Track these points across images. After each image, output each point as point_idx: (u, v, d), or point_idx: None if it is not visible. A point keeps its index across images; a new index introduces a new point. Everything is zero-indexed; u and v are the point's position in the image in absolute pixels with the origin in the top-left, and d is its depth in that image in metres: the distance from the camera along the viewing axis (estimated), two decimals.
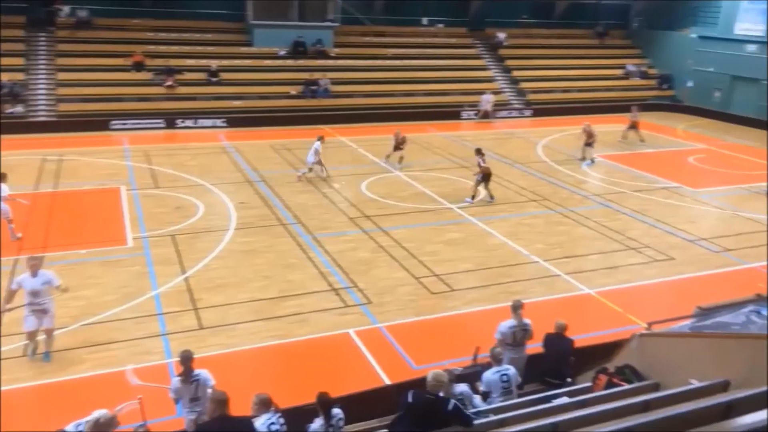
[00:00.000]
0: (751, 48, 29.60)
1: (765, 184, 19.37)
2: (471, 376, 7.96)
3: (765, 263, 13.26)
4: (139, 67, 25.80)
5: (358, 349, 9.69)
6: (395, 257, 13.06)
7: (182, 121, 24.82)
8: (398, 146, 20.01)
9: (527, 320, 8.15)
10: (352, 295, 11.38)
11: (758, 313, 6.88)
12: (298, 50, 28.58)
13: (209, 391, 6.62)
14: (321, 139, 18.52)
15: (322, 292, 11.46)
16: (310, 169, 18.24)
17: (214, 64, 26.64)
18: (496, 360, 7.31)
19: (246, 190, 17.31)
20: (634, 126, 24.44)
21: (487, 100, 28.14)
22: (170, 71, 25.67)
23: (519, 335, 8.06)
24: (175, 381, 6.88)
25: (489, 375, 7.23)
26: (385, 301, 11.17)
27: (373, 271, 12.39)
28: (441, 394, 5.79)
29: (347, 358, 9.56)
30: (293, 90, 27.22)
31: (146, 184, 17.44)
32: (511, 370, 7.30)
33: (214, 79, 26.37)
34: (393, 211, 15.96)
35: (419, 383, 6.39)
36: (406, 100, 28.71)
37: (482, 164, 16.88)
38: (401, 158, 19.96)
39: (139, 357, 9.10)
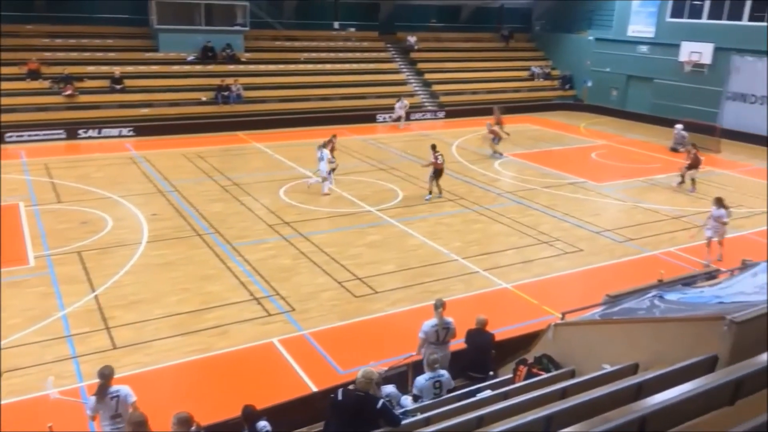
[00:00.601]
0: (643, 49, 31.66)
1: (661, 176, 20.77)
2: (397, 377, 8.05)
3: (664, 250, 14.21)
4: (34, 75, 24.25)
5: (283, 358, 9.55)
6: (317, 262, 12.98)
7: (85, 131, 23.55)
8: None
9: (449, 319, 8.26)
10: (275, 303, 11.20)
11: (660, 297, 7.34)
12: (208, 55, 27.85)
13: (130, 408, 6.33)
14: (326, 145, 18.00)
15: (243, 302, 11.21)
16: (324, 179, 17.60)
17: (117, 70, 25.45)
18: (431, 366, 7.36)
19: (158, 201, 16.67)
20: (498, 123, 24.43)
21: (401, 106, 28.34)
22: (69, 79, 24.30)
23: (442, 334, 8.15)
24: (92, 398, 6.54)
25: (422, 381, 7.28)
26: (309, 308, 11.08)
27: (294, 278, 12.25)
28: (370, 392, 5.80)
29: (272, 367, 9.39)
30: (204, 96, 26.49)
31: (48, 198, 16.43)
32: (444, 376, 7.35)
33: (117, 87, 25.20)
34: (312, 216, 15.85)
35: (346, 386, 6.39)
36: (321, 104, 28.62)
37: (436, 160, 17.21)
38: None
39: None
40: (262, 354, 9.64)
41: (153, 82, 26.22)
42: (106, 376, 6.56)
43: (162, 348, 9.65)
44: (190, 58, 27.68)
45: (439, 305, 8.20)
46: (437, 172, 17.26)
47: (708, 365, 5.19)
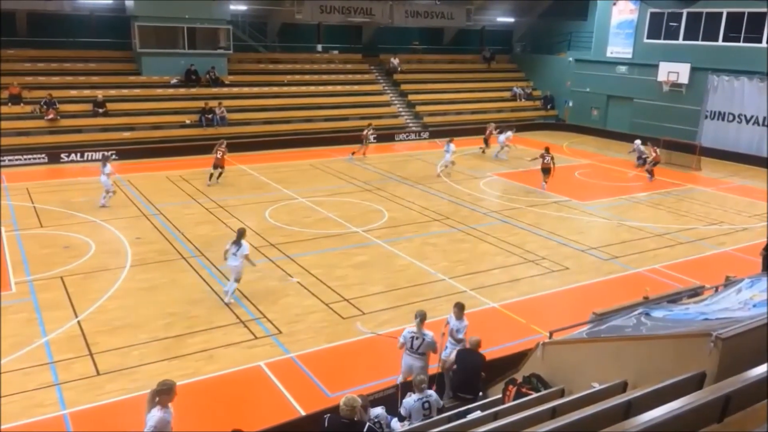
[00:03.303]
0: (622, 69, 32.27)
1: (644, 194, 21.08)
2: (386, 398, 8.01)
3: (649, 267, 14.35)
4: (16, 99, 24.09)
5: (271, 382, 9.45)
6: (304, 284, 12.92)
7: (67, 155, 23.38)
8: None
9: (428, 332, 8.43)
10: (262, 326, 11.11)
11: (647, 314, 7.40)
12: (191, 78, 27.88)
13: None
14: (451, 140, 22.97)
15: (229, 326, 11.11)
16: (446, 166, 22.66)
17: (99, 94, 25.37)
18: (419, 388, 7.35)
19: (142, 224, 16.54)
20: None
21: (368, 134, 26.56)
22: (51, 103, 24.17)
23: (416, 344, 8.35)
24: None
25: (410, 402, 7.24)
26: (296, 330, 11.00)
27: (281, 300, 12.18)
28: (356, 418, 5.76)
29: (259, 391, 9.29)
30: (188, 119, 26.47)
31: (30, 223, 16.23)
32: (433, 396, 7.35)
33: (100, 110, 25.09)
34: (299, 237, 15.82)
35: (334, 410, 6.34)
36: (305, 126, 28.72)
37: (543, 160, 21.02)
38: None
39: (31, 410, 8.38)
40: (249, 378, 9.53)
41: (136, 106, 26.17)
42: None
43: (148, 373, 9.50)
44: (174, 81, 27.70)
45: (419, 316, 8.41)
46: (545, 171, 21.04)
47: (696, 382, 5.23)
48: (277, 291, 12.60)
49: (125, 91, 26.46)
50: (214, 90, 28.11)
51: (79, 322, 11.02)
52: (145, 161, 23.62)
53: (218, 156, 20.48)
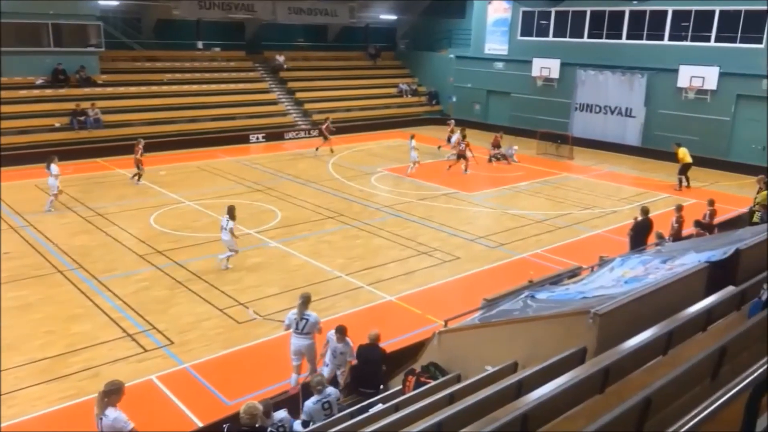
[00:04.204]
0: (499, 65, 33.84)
1: (524, 183, 22.25)
2: (288, 401, 7.91)
3: (532, 252, 15.18)
4: None
5: (164, 395, 9.03)
6: (195, 291, 12.44)
7: None
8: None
9: (310, 312, 8.91)
10: (151, 338, 10.58)
11: (532, 297, 7.84)
12: (59, 78, 25.90)
13: None
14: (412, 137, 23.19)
15: (115, 340, 10.48)
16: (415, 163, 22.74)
17: None
18: (316, 389, 7.30)
19: (10, 237, 15.18)
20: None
21: (329, 126, 26.83)
22: None
23: (301, 325, 8.81)
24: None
25: (310, 404, 7.18)
26: (189, 339, 10.58)
27: (172, 309, 11.65)
28: (257, 425, 5.65)
29: (152, 406, 8.83)
30: (57, 122, 24.60)
31: None
32: (332, 395, 7.33)
33: None
34: (187, 242, 15.21)
35: (234, 419, 6.17)
36: (190, 126, 27.60)
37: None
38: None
39: None
40: (140, 393, 9.03)
41: None
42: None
43: (27, 398, 8.77)
44: (39, 81, 25.62)
45: (302, 298, 8.89)
46: (461, 156, 23.11)
47: (578, 357, 5.61)
48: (166, 300, 12.03)
49: None
50: (86, 90, 26.29)
51: None
52: (11, 169, 21.65)
53: (138, 156, 20.40)
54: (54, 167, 17.44)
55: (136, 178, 20.73)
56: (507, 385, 5.19)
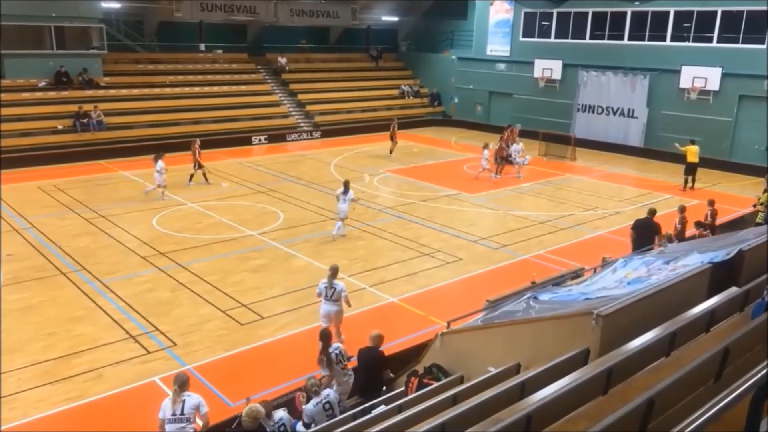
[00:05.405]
0: (501, 67, 33.84)
1: (527, 184, 22.22)
2: (289, 402, 7.91)
3: (535, 253, 15.17)
4: None
5: (168, 397, 9.01)
6: (198, 293, 12.45)
7: None
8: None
9: (339, 282, 10.17)
10: (154, 340, 10.59)
11: (535, 298, 7.82)
12: (62, 81, 25.97)
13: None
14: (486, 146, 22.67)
15: (118, 342, 10.49)
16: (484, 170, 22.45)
17: None
18: (314, 392, 7.29)
19: (13, 239, 15.22)
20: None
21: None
22: None
23: (329, 292, 10.05)
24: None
25: (310, 407, 7.18)
26: (192, 341, 10.58)
27: (174, 311, 11.66)
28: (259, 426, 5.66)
29: (156, 408, 8.79)
30: (60, 124, 24.65)
31: None
32: (331, 395, 7.33)
33: None
34: (190, 244, 15.22)
35: (235, 420, 6.18)
36: (193, 128, 27.59)
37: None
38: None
39: None
40: (143, 395, 9.05)
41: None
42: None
43: (28, 400, 8.77)
44: (42, 84, 25.69)
45: (330, 270, 10.16)
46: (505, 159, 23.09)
47: (581, 358, 5.60)
48: (168, 302, 12.04)
49: None
50: (89, 92, 26.36)
51: None
52: (14, 171, 21.73)
53: (196, 156, 20.70)
54: (160, 163, 18.58)
55: (205, 176, 20.85)
56: (510, 387, 5.19)
